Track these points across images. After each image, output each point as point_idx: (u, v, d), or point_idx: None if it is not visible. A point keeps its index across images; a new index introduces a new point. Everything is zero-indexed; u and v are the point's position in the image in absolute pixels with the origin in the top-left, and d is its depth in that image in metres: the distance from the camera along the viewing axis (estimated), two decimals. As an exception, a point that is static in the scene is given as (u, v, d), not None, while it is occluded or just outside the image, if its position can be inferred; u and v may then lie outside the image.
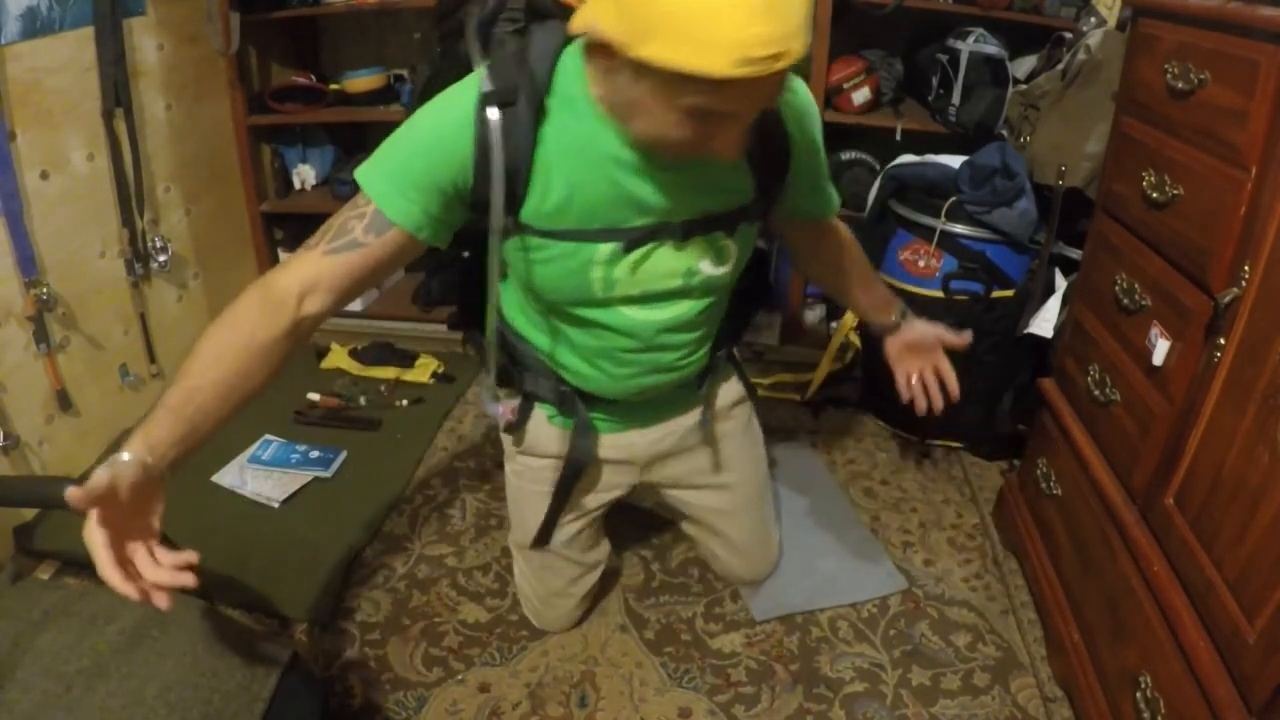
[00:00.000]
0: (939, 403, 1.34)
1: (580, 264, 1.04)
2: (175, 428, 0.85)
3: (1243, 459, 0.96)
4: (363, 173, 0.98)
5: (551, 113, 0.96)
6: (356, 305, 2.65)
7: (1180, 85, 1.12)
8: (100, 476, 0.77)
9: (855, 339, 2.19)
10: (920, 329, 1.34)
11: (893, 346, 1.38)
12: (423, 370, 2.29)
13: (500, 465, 1.94)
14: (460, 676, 1.40)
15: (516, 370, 1.27)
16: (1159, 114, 1.20)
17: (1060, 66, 1.80)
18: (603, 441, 1.31)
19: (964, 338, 1.32)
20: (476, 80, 0.95)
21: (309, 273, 0.96)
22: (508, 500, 1.47)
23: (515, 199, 0.99)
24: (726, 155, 0.89)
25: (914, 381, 1.35)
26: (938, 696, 1.38)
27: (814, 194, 1.21)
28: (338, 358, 2.35)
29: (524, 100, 0.94)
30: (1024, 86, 1.94)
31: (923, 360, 1.35)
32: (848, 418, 2.14)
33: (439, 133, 0.96)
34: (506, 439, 1.37)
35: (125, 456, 0.80)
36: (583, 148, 0.97)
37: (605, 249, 1.03)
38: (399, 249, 0.98)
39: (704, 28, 0.73)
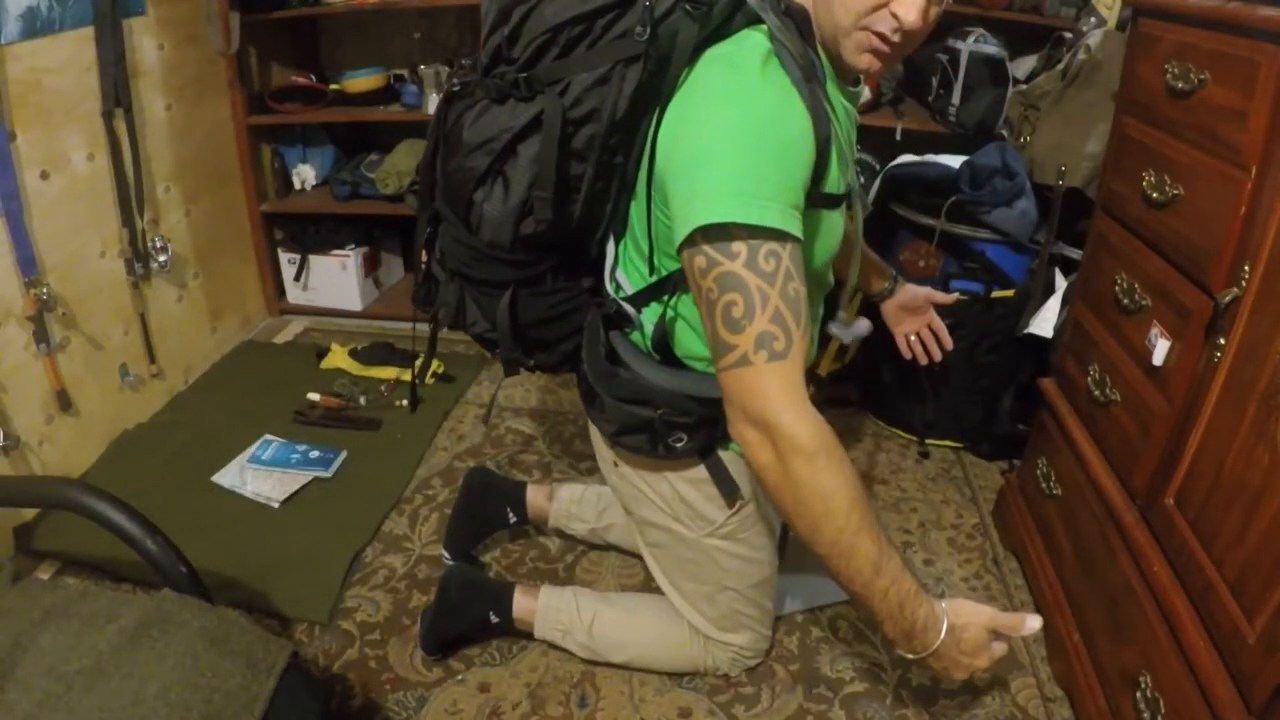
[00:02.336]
0: (937, 355, 1.48)
1: (835, 224, 1.01)
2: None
3: (1243, 459, 0.96)
4: (750, 211, 0.82)
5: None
6: (356, 305, 2.65)
7: (1180, 85, 1.12)
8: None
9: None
10: (912, 290, 1.46)
11: (889, 310, 1.49)
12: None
13: (498, 464, 1.95)
14: (460, 676, 1.40)
15: (703, 422, 1.10)
16: (1159, 114, 1.20)
17: (1060, 66, 1.80)
18: None
19: (953, 296, 1.49)
20: (761, 59, 0.86)
21: (800, 372, 0.87)
22: (724, 576, 1.27)
23: (827, 172, 0.93)
24: (907, 16, 0.87)
25: (912, 340, 1.48)
26: (938, 696, 1.38)
27: None
28: (338, 358, 2.35)
29: (810, 70, 0.89)
30: (1024, 86, 1.95)
31: (917, 320, 1.48)
32: (848, 418, 2.14)
33: (795, 129, 0.86)
34: (720, 513, 1.21)
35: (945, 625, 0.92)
36: (834, 100, 0.94)
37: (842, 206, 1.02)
38: None
39: None
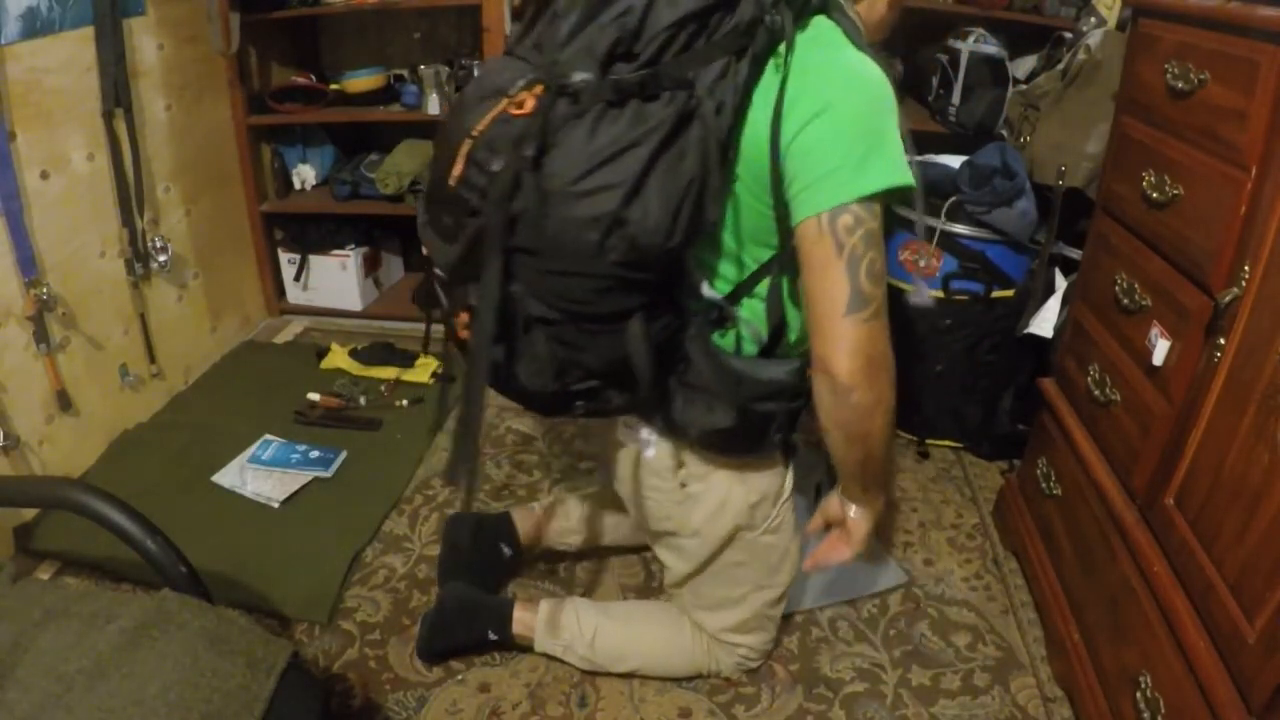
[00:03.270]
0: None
1: None
2: None
3: (1243, 459, 0.96)
4: (903, 173, 0.91)
5: None
6: (356, 305, 2.65)
7: (1180, 85, 1.12)
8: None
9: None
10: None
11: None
12: (423, 370, 2.29)
13: (498, 464, 1.96)
14: (460, 676, 1.40)
15: (800, 409, 1.12)
16: (1159, 114, 1.20)
17: (1060, 66, 1.80)
18: None
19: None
20: (844, 40, 0.94)
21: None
22: (767, 574, 1.28)
23: None
24: None
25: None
26: (938, 696, 1.38)
27: None
28: (338, 358, 2.35)
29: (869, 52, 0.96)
30: (1024, 86, 1.95)
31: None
32: (848, 418, 2.14)
33: (895, 101, 0.94)
34: (774, 505, 1.23)
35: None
36: None
37: None
38: None
39: None
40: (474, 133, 0.92)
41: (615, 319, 0.96)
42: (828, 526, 1.15)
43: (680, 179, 0.89)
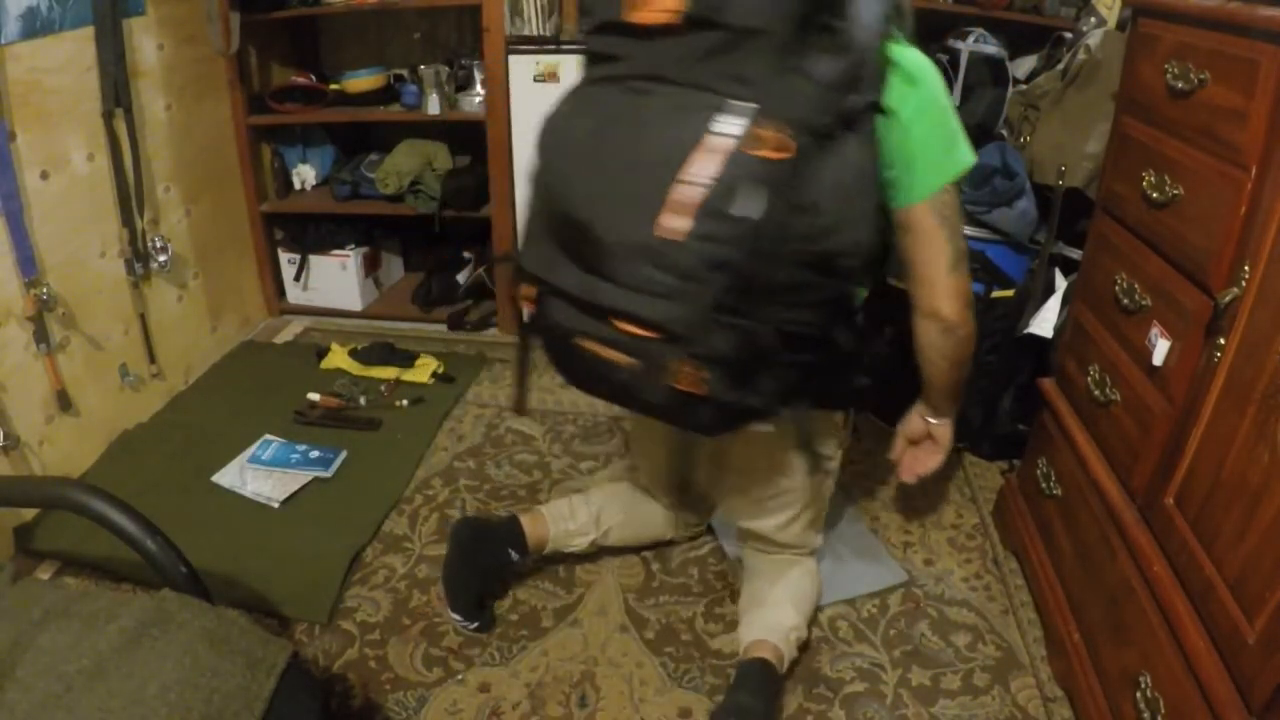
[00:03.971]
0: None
1: None
2: None
3: (1243, 459, 0.96)
4: (972, 152, 1.08)
5: None
6: (356, 305, 2.65)
7: (1180, 85, 1.12)
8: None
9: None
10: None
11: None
12: (423, 370, 2.29)
13: (498, 464, 1.96)
14: (460, 676, 1.40)
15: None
16: (1159, 114, 1.20)
17: (1060, 66, 1.80)
18: None
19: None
20: (904, 41, 1.04)
21: None
22: (825, 486, 1.44)
23: None
24: None
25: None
26: (938, 696, 1.38)
27: None
28: (338, 358, 2.35)
29: None
30: (1024, 86, 1.95)
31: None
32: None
33: None
34: (835, 444, 1.39)
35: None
36: None
37: None
38: None
39: None
40: (686, 178, 0.85)
41: (825, 330, 1.03)
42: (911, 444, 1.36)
43: (875, 196, 1.02)
